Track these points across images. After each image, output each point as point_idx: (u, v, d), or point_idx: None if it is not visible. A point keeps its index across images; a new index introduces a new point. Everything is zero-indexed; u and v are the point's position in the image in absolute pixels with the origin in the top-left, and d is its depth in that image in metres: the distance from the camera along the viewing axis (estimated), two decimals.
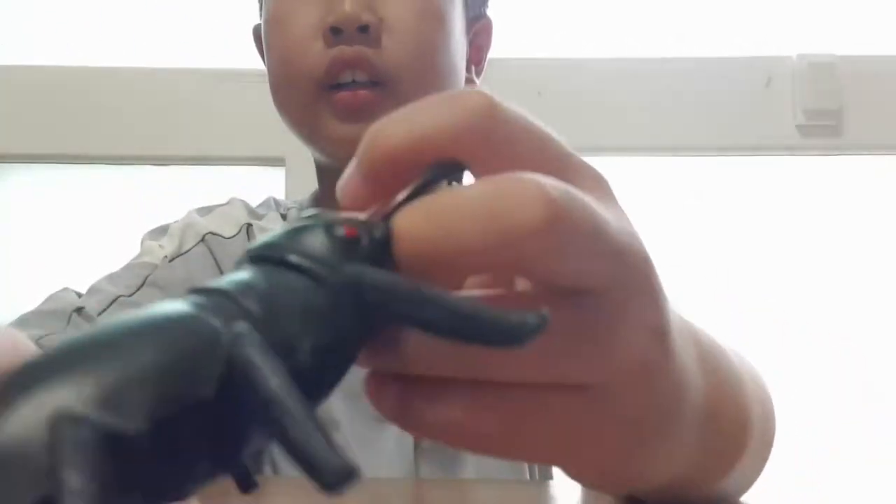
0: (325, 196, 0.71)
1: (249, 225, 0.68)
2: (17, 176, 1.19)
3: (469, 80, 0.69)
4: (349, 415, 0.61)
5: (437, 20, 0.62)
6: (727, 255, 1.16)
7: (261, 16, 0.70)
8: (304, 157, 0.85)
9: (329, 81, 0.60)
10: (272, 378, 0.18)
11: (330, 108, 0.60)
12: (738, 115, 1.15)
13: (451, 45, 0.63)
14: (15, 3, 1.22)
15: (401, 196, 0.23)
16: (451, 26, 0.64)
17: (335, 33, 0.59)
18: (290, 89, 0.63)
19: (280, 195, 1.11)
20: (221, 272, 0.63)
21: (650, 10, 1.20)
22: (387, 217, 0.22)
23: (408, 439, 0.62)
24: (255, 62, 1.04)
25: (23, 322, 0.55)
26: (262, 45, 0.69)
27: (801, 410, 1.13)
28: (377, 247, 0.22)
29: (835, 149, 1.16)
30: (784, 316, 1.14)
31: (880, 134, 1.16)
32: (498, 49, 1.14)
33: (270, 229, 0.68)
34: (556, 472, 0.84)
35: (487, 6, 0.71)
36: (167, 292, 0.60)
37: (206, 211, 0.70)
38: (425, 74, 0.61)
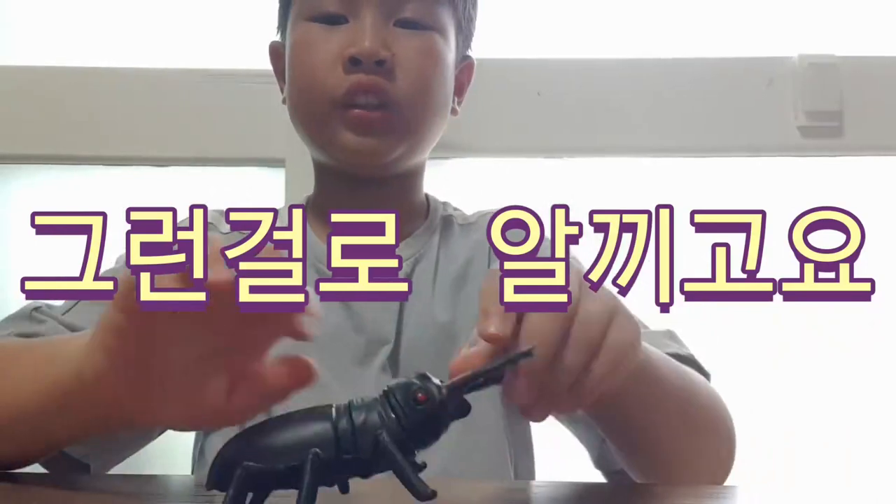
0: (321, 195, 0.81)
1: (211, 223, 0.73)
2: (17, 177, 1.19)
3: (452, 110, 0.81)
4: (331, 360, 0.71)
5: (436, 60, 0.75)
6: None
7: (279, 35, 0.81)
8: (304, 158, 0.85)
9: (345, 102, 0.72)
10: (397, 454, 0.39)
11: (344, 123, 0.73)
12: (739, 116, 1.15)
13: (445, 80, 0.77)
14: (14, 3, 1.22)
15: (474, 371, 0.41)
16: (446, 65, 0.77)
17: (354, 63, 0.71)
18: (310, 105, 0.75)
19: (280, 196, 1.12)
20: None
21: (650, 10, 1.20)
22: (460, 387, 0.40)
23: (387, 378, 0.72)
24: (256, 63, 1.05)
25: None
26: (277, 62, 0.81)
27: (800, 409, 1.13)
28: (441, 405, 0.40)
29: (836, 150, 1.16)
30: (785, 317, 1.14)
31: (881, 135, 1.16)
32: (498, 49, 1.14)
33: (231, 233, 0.75)
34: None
35: (471, 49, 0.84)
36: None
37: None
38: (424, 102, 0.75)
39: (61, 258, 1.20)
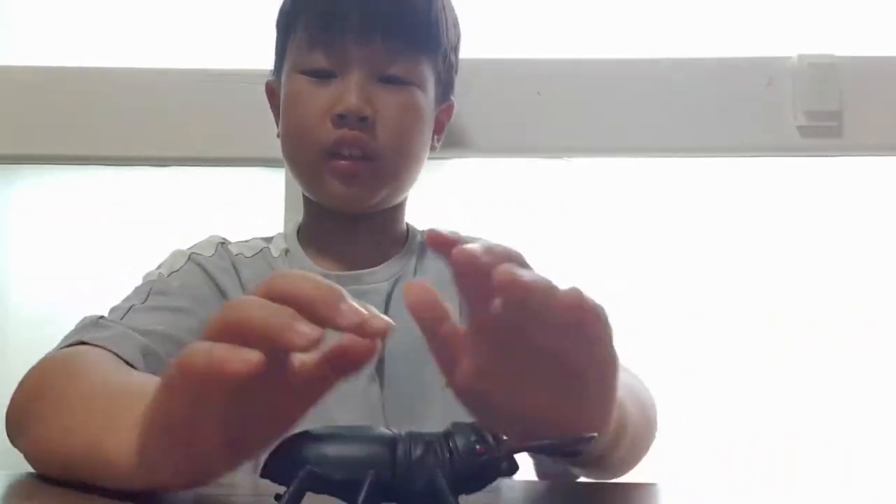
0: (310, 225, 0.89)
1: (222, 243, 0.86)
2: (17, 177, 1.19)
3: (432, 147, 0.89)
4: None
5: (415, 113, 0.83)
6: (727, 257, 1.16)
7: (274, 75, 0.90)
8: None
9: (332, 152, 0.80)
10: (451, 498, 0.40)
11: (331, 172, 0.81)
12: (738, 116, 1.15)
13: (423, 130, 0.85)
14: (14, 3, 1.22)
15: (532, 442, 0.42)
16: (425, 116, 0.85)
17: (341, 118, 0.79)
18: (300, 154, 0.83)
19: (280, 196, 1.12)
20: (212, 279, 0.81)
21: (650, 10, 1.20)
22: (517, 449, 0.42)
23: (374, 389, 0.78)
24: (255, 63, 1.05)
25: (65, 338, 0.69)
26: (273, 99, 0.90)
27: (800, 409, 1.13)
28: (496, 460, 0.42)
29: (835, 150, 1.16)
30: (784, 317, 1.14)
31: (881, 135, 1.15)
32: (498, 49, 1.15)
33: (250, 246, 0.87)
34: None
35: (454, 93, 0.92)
36: (168, 297, 0.77)
37: (188, 247, 0.86)
38: (404, 152, 0.83)
39: (61, 258, 1.21)
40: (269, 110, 0.92)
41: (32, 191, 1.19)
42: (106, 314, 0.74)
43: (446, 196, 1.15)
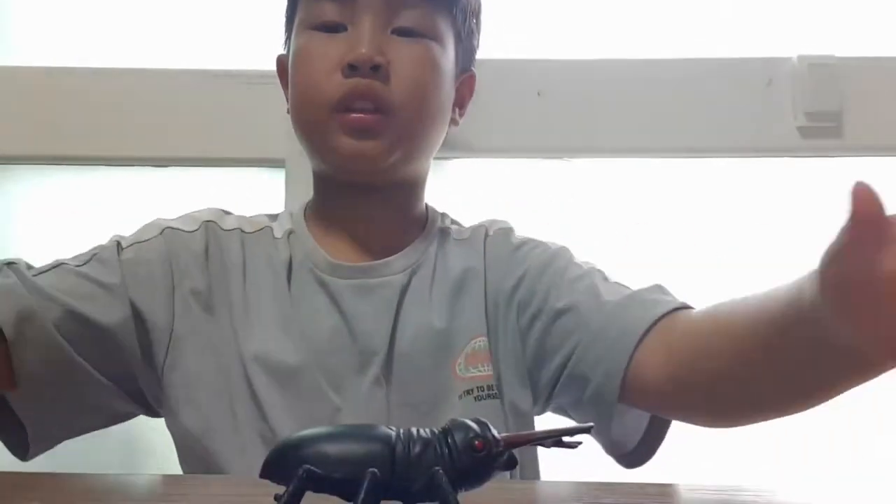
0: (319, 203, 0.83)
1: (209, 222, 0.81)
2: (17, 177, 1.19)
3: (453, 120, 0.84)
4: (327, 365, 0.75)
5: (432, 67, 0.77)
6: (727, 257, 1.16)
7: (285, 48, 0.84)
8: (304, 159, 0.86)
9: (342, 106, 0.75)
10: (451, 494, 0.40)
11: (342, 127, 0.75)
12: (738, 116, 1.15)
13: (441, 87, 0.79)
14: (14, 3, 1.22)
15: (531, 434, 0.43)
16: (443, 73, 0.79)
17: (352, 69, 0.74)
18: (309, 110, 0.77)
19: (280, 196, 1.12)
20: (169, 261, 0.76)
21: (650, 10, 1.20)
22: (516, 444, 0.42)
23: (380, 390, 0.74)
24: (255, 63, 1.05)
25: None
26: (284, 74, 0.84)
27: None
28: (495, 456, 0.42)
29: (835, 150, 1.16)
30: None
31: (881, 135, 1.16)
32: (498, 49, 1.15)
33: (252, 222, 0.83)
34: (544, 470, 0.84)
35: (474, 64, 0.86)
36: (105, 267, 0.74)
37: (179, 216, 0.82)
38: (419, 108, 0.77)
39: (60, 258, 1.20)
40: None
41: (32, 191, 1.19)
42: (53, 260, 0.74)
43: (447, 196, 1.15)
